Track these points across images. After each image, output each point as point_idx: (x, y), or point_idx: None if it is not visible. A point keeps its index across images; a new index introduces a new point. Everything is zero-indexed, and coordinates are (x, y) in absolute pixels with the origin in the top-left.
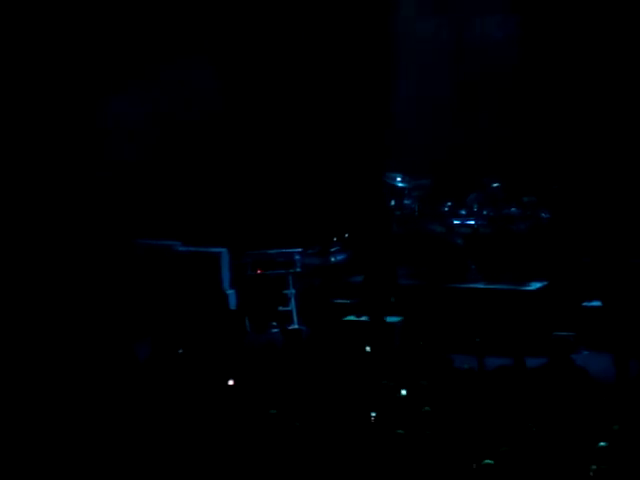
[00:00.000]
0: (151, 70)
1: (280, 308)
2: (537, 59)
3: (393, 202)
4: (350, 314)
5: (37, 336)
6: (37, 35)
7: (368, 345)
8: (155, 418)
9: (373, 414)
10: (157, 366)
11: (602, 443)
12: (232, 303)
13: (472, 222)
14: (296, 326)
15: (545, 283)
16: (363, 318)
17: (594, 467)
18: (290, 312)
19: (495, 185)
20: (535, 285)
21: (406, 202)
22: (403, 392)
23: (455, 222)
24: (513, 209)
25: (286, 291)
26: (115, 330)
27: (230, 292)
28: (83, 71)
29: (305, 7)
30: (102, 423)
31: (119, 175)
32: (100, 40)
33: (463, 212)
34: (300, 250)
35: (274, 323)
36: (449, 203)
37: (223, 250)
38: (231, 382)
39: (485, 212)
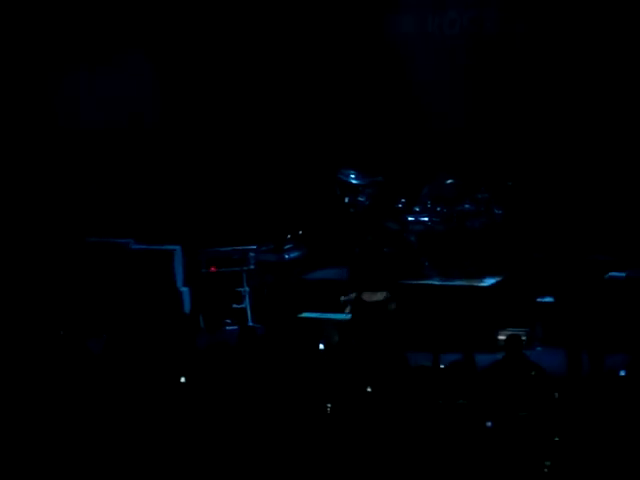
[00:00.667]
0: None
1: (234, 306)
2: (492, 55)
3: (347, 199)
4: (306, 311)
5: None
6: None
7: (322, 343)
8: (108, 414)
9: (329, 405)
10: (110, 363)
11: (557, 438)
12: (186, 301)
13: (426, 219)
14: (250, 324)
15: (499, 279)
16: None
17: (548, 463)
18: (244, 309)
19: (449, 182)
20: (489, 281)
21: (360, 199)
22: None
23: (409, 219)
24: (467, 205)
25: (240, 289)
26: (67, 327)
27: (184, 290)
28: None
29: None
30: (55, 418)
31: (70, 171)
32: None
33: (417, 209)
34: (254, 247)
35: (228, 321)
36: (403, 200)
37: (176, 248)
38: (183, 379)
39: (439, 209)
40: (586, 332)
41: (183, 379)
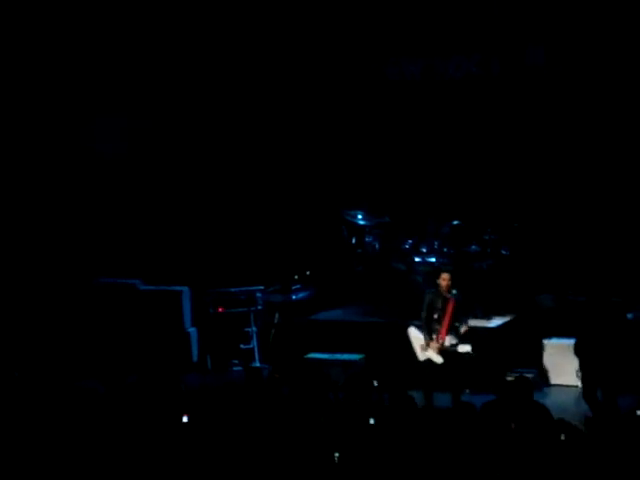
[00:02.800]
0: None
1: (242, 346)
2: (496, 97)
3: (354, 240)
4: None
5: None
6: None
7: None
8: (112, 456)
9: (337, 454)
10: (116, 402)
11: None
12: (194, 341)
13: (433, 259)
14: (258, 364)
15: (506, 320)
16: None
17: None
18: (252, 350)
19: (456, 223)
20: (496, 322)
21: (367, 240)
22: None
23: (416, 259)
24: (474, 247)
25: (248, 329)
26: (74, 368)
27: (191, 330)
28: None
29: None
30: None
31: (78, 212)
32: None
33: (424, 249)
34: (262, 288)
35: (236, 361)
36: (410, 241)
37: (184, 288)
38: (185, 419)
39: (446, 249)
40: (603, 372)
41: (185, 419)
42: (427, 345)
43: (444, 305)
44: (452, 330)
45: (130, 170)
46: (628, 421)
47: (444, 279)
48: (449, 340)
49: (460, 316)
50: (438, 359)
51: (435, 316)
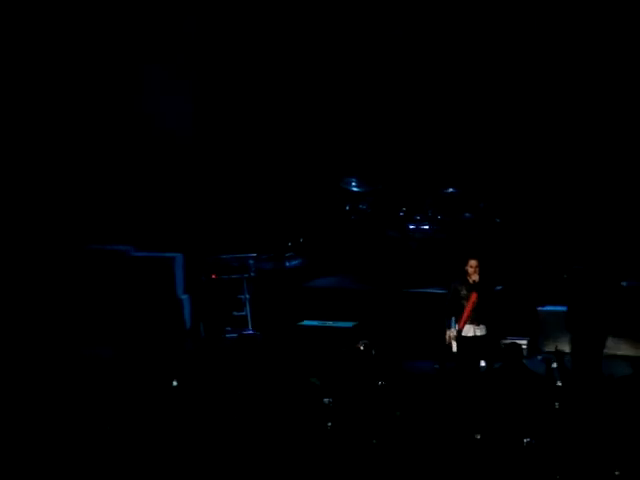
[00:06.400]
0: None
1: (235, 313)
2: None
3: (348, 207)
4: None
5: None
6: None
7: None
8: (106, 418)
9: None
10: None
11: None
12: (186, 308)
13: (427, 227)
14: (250, 331)
15: (499, 288)
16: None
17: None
18: (245, 317)
19: (450, 190)
20: None
21: (361, 207)
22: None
23: (410, 227)
24: (467, 214)
25: (241, 296)
26: (67, 335)
27: (184, 297)
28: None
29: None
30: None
31: (70, 179)
32: None
33: (418, 217)
34: (254, 255)
35: (228, 328)
36: (404, 208)
37: (177, 255)
38: (175, 383)
39: (440, 217)
40: (595, 340)
41: (175, 382)
42: (445, 332)
43: (468, 294)
44: (473, 321)
45: (122, 135)
46: (622, 385)
47: (471, 265)
48: (468, 330)
49: (484, 307)
50: (453, 346)
51: (460, 304)
